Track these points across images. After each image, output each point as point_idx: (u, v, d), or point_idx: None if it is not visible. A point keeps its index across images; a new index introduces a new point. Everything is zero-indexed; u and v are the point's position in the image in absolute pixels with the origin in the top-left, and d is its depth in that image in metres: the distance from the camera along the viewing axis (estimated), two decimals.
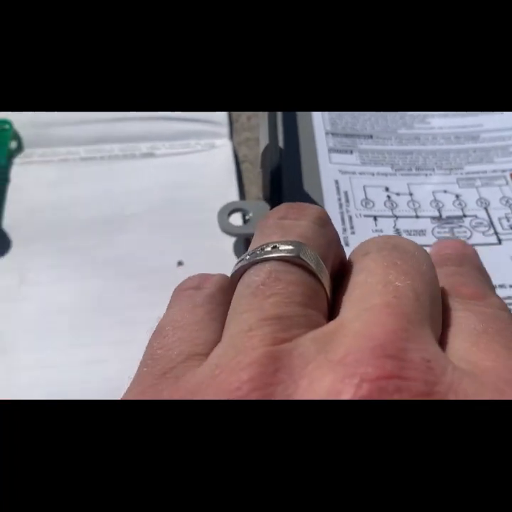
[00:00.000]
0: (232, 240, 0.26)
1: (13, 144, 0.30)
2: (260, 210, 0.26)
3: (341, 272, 0.15)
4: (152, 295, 0.20)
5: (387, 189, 0.28)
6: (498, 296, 0.16)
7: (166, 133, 0.31)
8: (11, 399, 0.11)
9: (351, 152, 0.30)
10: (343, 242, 0.25)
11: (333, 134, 0.31)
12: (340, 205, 0.27)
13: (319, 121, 0.31)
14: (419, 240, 0.25)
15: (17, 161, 0.29)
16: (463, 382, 0.12)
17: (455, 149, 0.30)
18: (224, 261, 0.25)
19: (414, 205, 0.27)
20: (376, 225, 0.26)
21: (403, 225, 0.26)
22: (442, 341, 0.14)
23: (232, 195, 0.28)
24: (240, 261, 0.15)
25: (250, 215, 0.26)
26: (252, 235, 0.16)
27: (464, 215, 0.27)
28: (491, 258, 0.25)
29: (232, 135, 0.31)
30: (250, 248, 0.15)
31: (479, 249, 0.25)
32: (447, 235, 0.26)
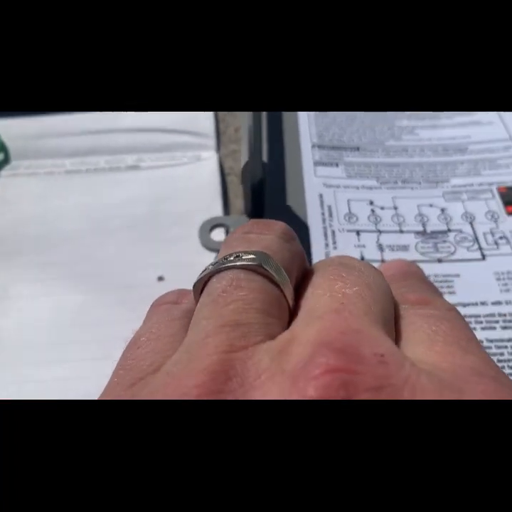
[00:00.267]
0: (214, 255, 0.26)
1: (1, 156, 0.30)
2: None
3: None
4: (132, 310, 0.20)
5: (371, 203, 0.28)
6: (443, 299, 0.16)
7: (153, 145, 0.31)
8: None
9: (337, 165, 0.29)
10: (324, 257, 0.25)
11: (319, 146, 0.30)
12: (324, 220, 0.27)
13: (306, 133, 0.31)
14: (402, 256, 0.26)
15: (3, 173, 0.30)
16: (421, 378, 0.11)
17: (442, 162, 0.30)
18: None
19: (398, 219, 0.27)
20: (359, 240, 0.26)
21: (386, 240, 0.26)
22: (399, 346, 0.14)
23: (216, 209, 0.28)
24: (203, 271, 0.15)
25: (231, 230, 0.26)
26: None
27: (449, 230, 0.26)
28: (474, 274, 0.25)
29: (219, 147, 0.31)
30: (215, 260, 0.15)
31: (462, 265, 0.25)
32: (431, 250, 0.26)
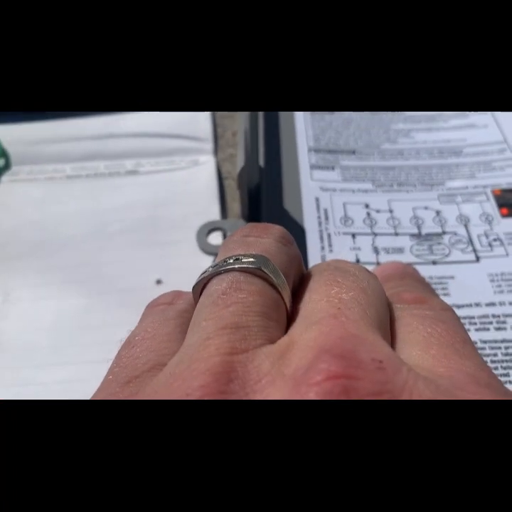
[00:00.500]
0: (211, 258, 0.27)
1: (1, 162, 0.31)
2: None
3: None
4: (131, 313, 0.20)
5: (367, 206, 0.28)
6: (438, 298, 0.17)
7: (151, 150, 0.31)
8: None
9: (333, 168, 0.30)
10: (320, 260, 0.26)
11: (315, 150, 0.31)
12: (320, 223, 0.27)
13: (302, 137, 0.31)
14: (397, 258, 0.26)
15: (4, 178, 0.30)
16: (418, 383, 0.12)
17: (438, 164, 0.30)
18: None
19: (393, 222, 0.27)
20: (354, 242, 0.26)
21: (382, 242, 0.26)
22: (396, 348, 0.15)
23: (214, 213, 0.28)
24: (203, 273, 0.15)
25: (229, 234, 0.26)
26: None
27: (444, 232, 0.27)
28: (468, 276, 0.25)
29: (216, 151, 0.32)
30: (214, 262, 0.15)
31: (457, 267, 0.25)
32: (425, 252, 0.26)
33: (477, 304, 0.24)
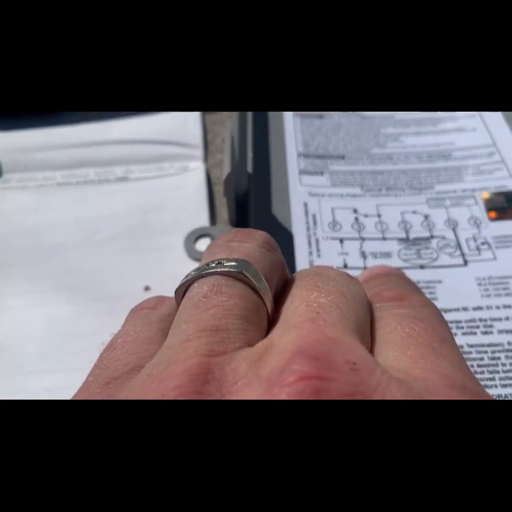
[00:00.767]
0: None
1: None
2: None
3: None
4: (119, 320, 0.21)
5: (355, 211, 0.28)
6: (420, 294, 0.17)
7: (141, 156, 0.31)
8: None
9: (322, 173, 0.30)
10: (308, 265, 0.26)
11: (305, 155, 0.31)
12: (308, 228, 0.27)
13: (292, 142, 0.32)
14: (385, 263, 0.26)
15: None
16: (391, 385, 0.12)
17: (426, 168, 0.30)
18: None
19: (381, 226, 0.27)
20: (342, 247, 0.26)
21: (369, 247, 0.26)
22: (372, 352, 0.15)
23: (203, 219, 0.28)
24: (186, 277, 0.15)
25: None
26: None
27: (432, 236, 0.27)
28: (456, 280, 0.25)
29: (206, 157, 0.32)
30: (197, 266, 0.16)
31: (445, 271, 0.26)
32: (413, 256, 0.26)
33: (464, 308, 0.24)
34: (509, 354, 0.22)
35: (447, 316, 0.24)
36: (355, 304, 0.15)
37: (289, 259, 0.26)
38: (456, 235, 0.27)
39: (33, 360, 0.24)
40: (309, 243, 0.27)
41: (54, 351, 0.25)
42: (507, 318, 0.23)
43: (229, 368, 0.12)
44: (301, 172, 0.30)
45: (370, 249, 0.26)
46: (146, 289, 0.26)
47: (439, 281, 0.25)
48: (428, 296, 0.25)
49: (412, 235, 0.27)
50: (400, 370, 0.13)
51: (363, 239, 0.27)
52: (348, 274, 0.16)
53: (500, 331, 0.23)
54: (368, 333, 0.15)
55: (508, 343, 0.22)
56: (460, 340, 0.23)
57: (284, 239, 0.26)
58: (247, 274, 0.14)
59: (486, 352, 0.22)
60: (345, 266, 0.26)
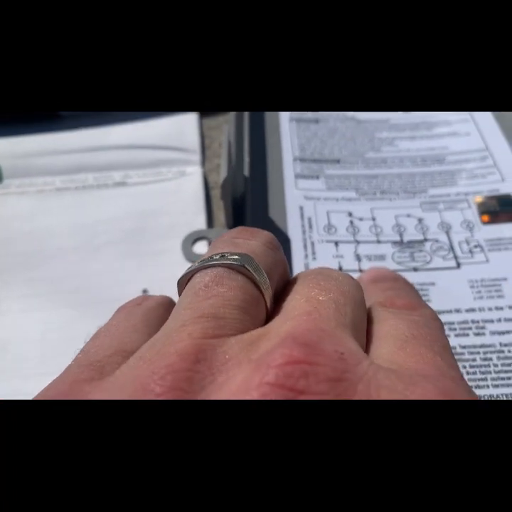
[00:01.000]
0: None
1: None
2: None
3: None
4: None
5: (350, 214, 0.28)
6: (429, 308, 0.17)
7: (139, 161, 0.32)
8: None
9: (318, 177, 0.30)
10: (303, 268, 0.26)
11: (301, 159, 0.31)
12: (304, 232, 0.28)
13: (288, 146, 0.32)
14: (379, 265, 0.26)
15: None
16: (378, 374, 0.12)
17: (421, 172, 0.30)
18: None
19: (376, 229, 0.28)
20: (337, 250, 0.27)
21: (364, 250, 0.27)
22: (372, 346, 0.15)
23: (200, 223, 0.29)
24: (189, 268, 0.16)
25: None
26: None
27: (425, 239, 0.27)
28: (449, 282, 0.26)
29: (203, 162, 0.32)
30: (201, 258, 0.16)
31: (438, 274, 0.26)
32: (407, 259, 0.26)
33: (457, 310, 0.24)
34: (501, 355, 0.22)
35: (440, 318, 0.24)
36: (353, 303, 0.15)
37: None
38: (449, 238, 0.27)
39: (32, 363, 0.25)
40: (305, 246, 0.27)
41: (53, 354, 0.25)
42: (499, 320, 0.23)
43: (221, 350, 0.13)
44: (297, 176, 0.30)
45: (364, 252, 0.27)
46: (144, 292, 0.26)
47: (433, 284, 0.25)
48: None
49: (406, 238, 0.27)
50: (393, 362, 0.14)
51: (357, 242, 0.27)
52: (350, 276, 0.16)
53: (493, 333, 0.23)
54: (362, 332, 0.15)
55: (500, 344, 0.23)
56: (453, 341, 0.23)
57: (280, 242, 0.27)
58: (248, 268, 0.15)
59: (478, 353, 0.23)
60: (340, 268, 0.26)
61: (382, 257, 0.27)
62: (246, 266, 0.15)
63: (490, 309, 0.24)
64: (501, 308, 0.24)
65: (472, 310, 0.24)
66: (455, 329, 0.24)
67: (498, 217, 0.28)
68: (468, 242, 0.27)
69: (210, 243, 0.28)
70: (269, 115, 0.34)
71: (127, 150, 0.32)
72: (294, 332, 0.13)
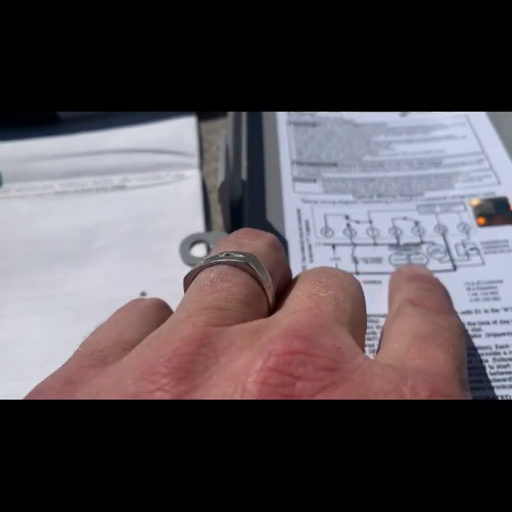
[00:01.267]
0: None
1: None
2: None
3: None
4: None
5: (347, 217, 0.29)
6: (457, 317, 0.18)
7: (138, 165, 0.32)
8: None
9: (315, 181, 0.31)
10: (301, 271, 0.26)
11: (298, 163, 0.32)
12: (301, 234, 0.28)
13: (285, 150, 0.32)
14: (375, 268, 0.26)
15: None
16: (373, 366, 0.13)
17: (417, 175, 0.31)
18: None
19: (373, 232, 0.28)
20: (334, 253, 0.27)
21: (361, 253, 0.27)
22: (388, 340, 0.16)
23: (198, 226, 0.29)
24: (194, 266, 0.16)
25: (212, 246, 0.27)
26: None
27: (422, 242, 0.27)
28: (445, 284, 0.26)
29: (201, 166, 0.32)
30: (207, 257, 0.17)
31: (434, 276, 0.26)
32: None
33: None
34: (496, 357, 0.23)
35: None
36: (352, 299, 0.16)
37: None
38: (445, 240, 0.27)
39: (33, 365, 0.25)
40: (302, 249, 0.27)
41: (52, 356, 0.25)
42: (494, 322, 0.24)
43: (224, 336, 0.13)
44: (295, 179, 0.31)
45: (361, 254, 0.27)
46: (143, 294, 0.26)
47: None
48: None
49: (402, 241, 0.27)
50: (398, 358, 0.15)
51: (354, 244, 0.27)
52: (350, 274, 0.17)
53: (488, 335, 0.23)
54: (360, 328, 0.16)
55: (496, 346, 0.23)
56: None
57: None
58: (252, 266, 0.15)
59: (473, 355, 0.23)
60: None
61: (379, 260, 0.27)
62: (250, 264, 0.15)
63: (486, 311, 0.24)
64: (497, 311, 0.24)
65: (468, 312, 0.24)
66: None
67: (494, 219, 0.28)
68: (464, 245, 0.27)
69: (207, 246, 0.28)
70: (266, 118, 0.34)
71: (126, 154, 0.32)
72: (295, 325, 0.13)
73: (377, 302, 0.24)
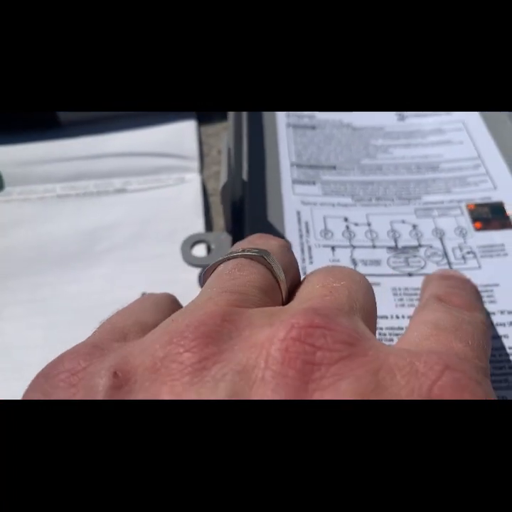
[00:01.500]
0: (197, 271, 0.28)
1: None
2: (222, 241, 0.28)
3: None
4: None
5: (346, 219, 0.29)
6: (484, 315, 0.18)
7: (139, 168, 0.32)
8: None
9: (314, 183, 0.31)
10: (301, 272, 0.27)
11: (297, 165, 0.32)
12: (301, 236, 0.28)
13: (285, 153, 0.33)
14: (374, 270, 0.27)
15: None
16: (388, 347, 0.13)
17: (415, 179, 0.31)
18: (188, 292, 0.26)
19: (371, 235, 0.28)
20: (334, 255, 0.27)
21: (360, 255, 0.27)
22: (409, 329, 0.17)
23: (199, 229, 0.29)
24: (213, 262, 0.17)
25: (213, 246, 0.27)
26: None
27: (420, 245, 0.28)
28: None
29: (202, 169, 0.33)
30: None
31: None
32: (402, 264, 0.27)
33: None
34: (492, 358, 0.23)
35: None
36: (364, 290, 0.17)
37: None
38: (443, 244, 0.28)
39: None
40: (302, 250, 0.28)
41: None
42: (490, 324, 0.24)
43: (245, 316, 0.14)
44: (294, 181, 0.31)
45: (360, 256, 0.27)
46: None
47: None
48: (416, 302, 0.26)
49: (400, 244, 0.28)
50: (416, 344, 0.15)
51: (353, 247, 0.28)
52: (357, 271, 0.18)
53: None
54: (372, 318, 0.17)
55: (492, 348, 0.23)
56: None
57: None
58: (267, 259, 0.16)
59: None
60: None
61: (377, 262, 0.27)
62: (264, 257, 0.16)
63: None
64: (493, 314, 0.24)
65: None
66: None
67: (490, 224, 0.28)
68: (461, 249, 0.27)
69: (208, 246, 0.28)
70: (266, 121, 0.35)
71: (127, 157, 0.32)
72: (314, 305, 0.14)
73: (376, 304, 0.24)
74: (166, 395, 0.12)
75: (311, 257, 0.27)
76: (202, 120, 0.35)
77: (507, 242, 0.27)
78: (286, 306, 0.15)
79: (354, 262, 0.27)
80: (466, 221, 0.29)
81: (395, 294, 0.26)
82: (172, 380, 0.12)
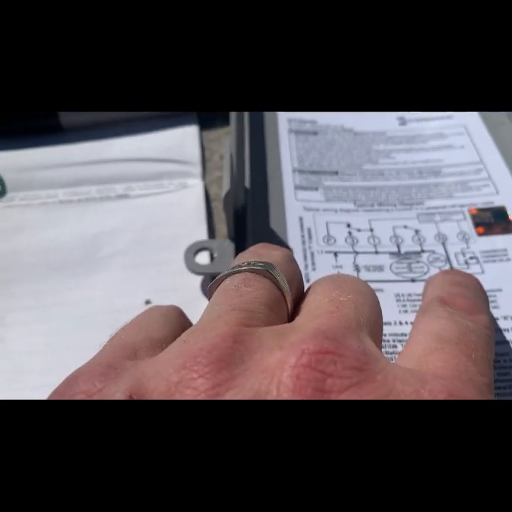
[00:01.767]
0: (200, 278, 0.28)
1: None
2: (225, 249, 0.28)
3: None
4: None
5: (348, 225, 0.29)
6: (487, 316, 0.18)
7: (141, 174, 0.32)
8: None
9: (316, 189, 0.31)
10: (304, 279, 0.27)
11: (299, 171, 0.32)
12: (304, 242, 0.28)
13: (287, 158, 0.33)
14: (377, 276, 0.27)
15: (0, 205, 0.31)
16: (395, 369, 0.14)
17: (417, 184, 0.31)
18: (191, 299, 0.26)
19: (374, 240, 0.28)
20: (336, 261, 0.27)
21: (363, 260, 0.27)
22: (412, 340, 0.17)
23: (202, 234, 0.29)
24: (218, 275, 0.17)
25: (215, 254, 0.27)
26: (218, 273, 0.19)
27: (422, 251, 0.28)
28: None
29: (204, 174, 0.33)
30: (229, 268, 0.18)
31: None
32: (405, 270, 0.27)
33: None
34: (496, 365, 0.23)
35: None
36: (370, 303, 0.17)
37: None
38: (445, 249, 0.28)
39: (38, 375, 0.25)
40: (305, 256, 0.28)
41: (57, 365, 0.25)
42: (494, 330, 0.24)
43: (255, 336, 0.14)
44: (297, 187, 0.31)
45: (363, 262, 0.27)
46: (147, 303, 0.27)
47: None
48: (418, 308, 0.26)
49: (403, 249, 0.28)
50: (419, 362, 0.15)
51: (356, 252, 0.28)
52: (362, 280, 0.18)
53: None
54: (378, 330, 0.17)
55: (496, 354, 0.23)
56: None
57: None
58: (272, 272, 0.17)
59: None
60: None
61: (380, 268, 0.27)
62: (270, 271, 0.17)
63: None
64: (496, 319, 0.24)
65: None
66: None
67: (493, 229, 0.28)
68: (464, 254, 0.27)
69: (211, 254, 0.28)
70: (268, 127, 0.35)
71: (129, 163, 0.32)
72: (322, 327, 0.14)
73: None
74: None
75: (313, 264, 0.27)
76: (203, 125, 0.35)
77: (510, 247, 0.27)
78: (294, 325, 0.15)
79: (357, 268, 0.27)
80: (468, 226, 0.29)
81: (398, 300, 0.26)
82: None
